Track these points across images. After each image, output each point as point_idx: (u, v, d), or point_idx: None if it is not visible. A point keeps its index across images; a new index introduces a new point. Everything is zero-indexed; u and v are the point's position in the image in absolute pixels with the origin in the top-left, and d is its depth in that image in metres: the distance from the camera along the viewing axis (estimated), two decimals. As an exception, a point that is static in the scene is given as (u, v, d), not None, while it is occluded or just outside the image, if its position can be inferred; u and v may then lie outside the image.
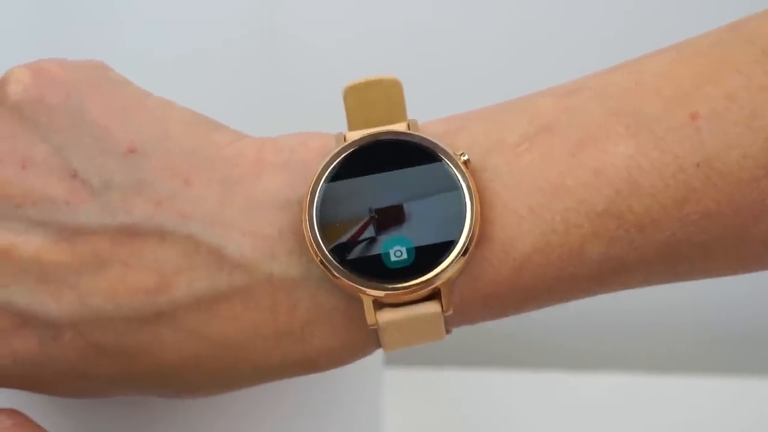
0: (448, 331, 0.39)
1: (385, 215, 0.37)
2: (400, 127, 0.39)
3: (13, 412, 0.39)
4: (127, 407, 0.48)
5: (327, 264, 0.37)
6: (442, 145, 0.38)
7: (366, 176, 0.38)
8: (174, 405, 0.49)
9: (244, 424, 0.50)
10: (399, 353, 0.62)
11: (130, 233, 0.38)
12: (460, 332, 0.40)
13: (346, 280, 0.37)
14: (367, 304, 0.37)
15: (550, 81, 0.41)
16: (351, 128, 0.39)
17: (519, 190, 0.37)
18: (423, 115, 0.41)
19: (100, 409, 0.48)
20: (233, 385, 0.40)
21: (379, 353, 0.52)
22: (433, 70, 0.59)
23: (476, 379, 0.61)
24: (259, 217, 0.38)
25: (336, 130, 0.40)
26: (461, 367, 0.61)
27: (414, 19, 0.59)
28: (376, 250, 0.37)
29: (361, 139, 0.38)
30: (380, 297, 0.37)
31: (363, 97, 0.39)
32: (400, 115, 0.39)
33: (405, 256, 0.37)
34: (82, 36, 0.59)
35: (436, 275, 0.37)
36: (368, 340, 0.38)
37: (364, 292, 0.37)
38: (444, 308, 0.37)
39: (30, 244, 0.38)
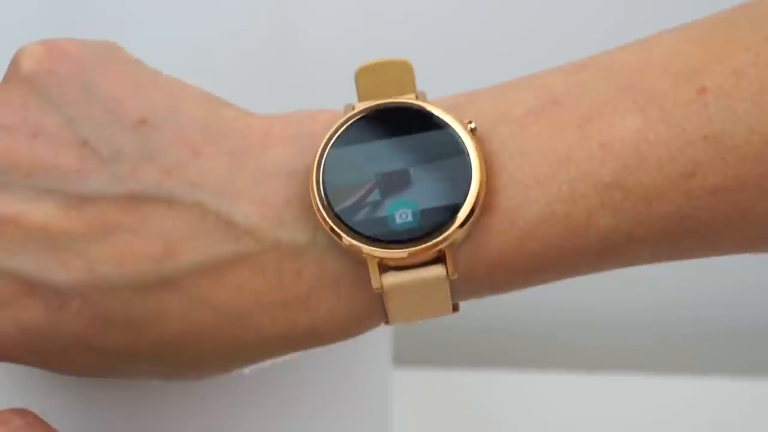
0: (454, 308, 0.39)
1: (391, 179, 0.38)
2: (408, 98, 0.39)
3: (24, 412, 0.39)
4: (134, 406, 0.48)
5: (333, 226, 0.37)
6: (448, 113, 0.38)
7: (373, 142, 0.38)
8: (176, 402, 0.49)
9: (252, 423, 0.50)
10: (408, 353, 0.62)
11: (138, 201, 0.38)
12: (469, 331, 0.40)
13: (351, 241, 0.37)
14: (372, 266, 0.37)
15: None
16: (360, 100, 0.39)
17: (525, 161, 0.38)
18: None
19: (108, 407, 0.48)
20: (239, 359, 0.40)
21: (388, 353, 0.52)
22: (441, 65, 0.60)
23: (484, 380, 0.61)
24: (267, 186, 0.38)
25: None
26: (470, 367, 0.61)
27: (421, 11, 0.60)
28: (382, 212, 0.37)
29: (368, 107, 0.39)
30: (385, 257, 0.37)
31: (374, 77, 0.40)
32: (410, 91, 0.40)
33: (410, 218, 0.37)
34: (90, 34, 0.60)
35: (442, 238, 0.37)
36: (374, 307, 0.38)
37: (369, 253, 0.37)
38: (449, 272, 0.37)
39: (39, 211, 0.39)
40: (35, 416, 0.39)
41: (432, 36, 0.59)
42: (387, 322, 0.39)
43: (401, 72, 0.40)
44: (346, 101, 0.40)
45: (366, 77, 0.40)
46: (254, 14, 0.60)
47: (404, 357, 0.61)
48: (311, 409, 0.51)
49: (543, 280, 0.39)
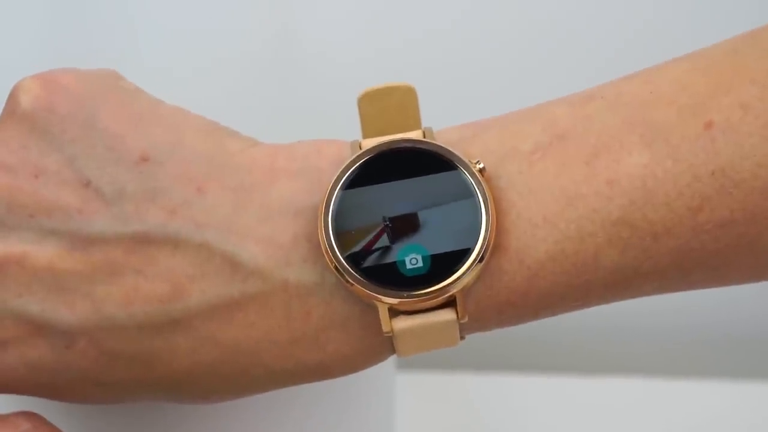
0: (461, 338, 0.39)
1: (400, 223, 0.38)
2: (415, 135, 0.39)
3: (31, 415, 0.40)
4: (137, 408, 0.48)
5: (342, 271, 0.37)
6: (457, 153, 0.38)
7: (381, 184, 0.38)
8: (185, 408, 0.49)
9: (256, 427, 0.50)
10: (411, 357, 0.62)
11: (143, 241, 0.38)
12: (472, 336, 0.40)
13: (361, 288, 0.37)
14: (383, 312, 0.37)
15: (564, 90, 0.41)
16: (365, 135, 0.39)
17: (533, 199, 0.37)
18: (436, 122, 0.41)
19: (110, 410, 0.48)
20: (247, 391, 0.40)
21: (391, 357, 0.52)
22: (445, 77, 0.59)
23: (488, 383, 0.61)
24: (273, 224, 0.38)
25: (348, 136, 0.40)
26: (473, 371, 0.61)
27: (426, 27, 0.59)
28: (392, 257, 0.37)
29: (376, 147, 0.38)
30: (395, 304, 0.37)
31: (378, 104, 0.39)
32: (415, 122, 0.39)
33: (420, 263, 0.37)
34: (95, 46, 0.59)
35: (452, 283, 0.37)
36: (383, 346, 0.39)
37: (380, 300, 0.37)
38: (459, 316, 0.37)
39: (43, 253, 0.39)
40: (42, 419, 0.40)
41: (439, 51, 0.59)
42: (395, 354, 0.39)
43: (405, 98, 0.39)
44: (349, 113, 0.40)
45: (369, 104, 0.39)
46: (255, 14, 0.60)
47: (407, 360, 0.61)
48: (315, 412, 0.51)
49: (552, 314, 0.39)
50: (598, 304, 0.39)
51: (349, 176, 0.38)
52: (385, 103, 0.39)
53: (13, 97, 0.40)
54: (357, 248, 0.37)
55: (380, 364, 0.51)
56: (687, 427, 0.59)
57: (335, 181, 0.38)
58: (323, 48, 0.59)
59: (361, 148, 0.39)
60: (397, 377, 0.58)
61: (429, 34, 0.59)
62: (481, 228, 0.37)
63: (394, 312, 0.37)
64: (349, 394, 0.52)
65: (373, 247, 0.37)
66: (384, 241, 0.37)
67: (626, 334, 0.62)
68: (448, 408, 0.61)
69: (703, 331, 0.63)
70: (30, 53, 0.59)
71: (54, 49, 0.59)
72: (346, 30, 0.59)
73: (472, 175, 0.38)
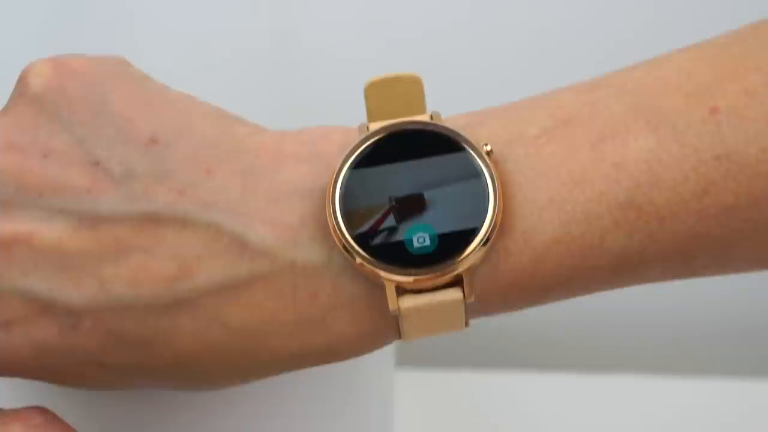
0: (466, 323, 0.39)
1: (406, 204, 0.38)
2: (422, 118, 0.39)
3: (43, 410, 0.40)
4: (139, 403, 0.48)
5: (350, 250, 0.37)
6: (464, 135, 0.38)
7: (389, 165, 0.38)
8: (184, 403, 0.49)
9: (254, 423, 0.50)
10: (410, 354, 0.62)
11: (151, 221, 0.38)
12: (472, 333, 0.40)
13: (369, 266, 0.37)
14: (390, 290, 0.37)
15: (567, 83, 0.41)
16: (372, 120, 0.39)
17: (540, 181, 0.38)
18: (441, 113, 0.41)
19: (109, 405, 0.48)
20: (251, 374, 0.40)
21: (390, 354, 0.53)
22: (445, 76, 0.60)
23: (487, 381, 0.61)
24: (281, 206, 0.38)
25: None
26: (472, 368, 0.61)
27: (426, 26, 0.60)
28: (399, 236, 0.38)
29: (384, 128, 0.39)
30: (403, 282, 0.37)
31: (384, 93, 0.40)
32: (420, 110, 0.40)
33: (428, 242, 0.37)
34: (95, 46, 0.59)
35: (459, 262, 0.37)
36: (388, 327, 0.39)
37: (387, 278, 0.37)
38: (465, 295, 0.37)
39: (51, 231, 0.39)
40: (54, 415, 0.40)
41: (442, 46, 0.59)
42: (400, 338, 0.39)
43: (411, 87, 0.40)
44: (346, 103, 0.40)
45: (375, 93, 0.39)
46: (255, 14, 0.60)
47: (406, 357, 0.61)
48: (313, 410, 0.51)
49: (556, 299, 0.39)
50: (602, 289, 0.39)
51: (356, 157, 0.38)
52: (392, 92, 0.40)
53: (23, 79, 0.40)
54: (364, 228, 0.38)
55: (379, 361, 0.52)
56: (688, 425, 0.59)
57: (343, 161, 0.38)
58: (323, 47, 0.60)
59: (368, 131, 0.39)
60: (396, 374, 0.58)
61: (429, 33, 0.59)
62: (488, 208, 0.37)
63: (401, 291, 0.37)
64: (348, 390, 0.52)
65: (381, 227, 0.38)
66: (391, 221, 0.38)
67: (627, 332, 0.63)
68: (446, 405, 0.61)
69: (704, 329, 0.63)
70: (30, 53, 0.59)
71: (54, 49, 0.59)
72: (346, 29, 0.60)
73: (480, 156, 0.38)
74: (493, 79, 0.60)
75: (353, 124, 0.41)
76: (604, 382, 0.60)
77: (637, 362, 0.62)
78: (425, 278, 0.37)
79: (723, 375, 0.61)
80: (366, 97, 0.40)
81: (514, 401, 0.60)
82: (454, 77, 0.60)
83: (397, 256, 0.37)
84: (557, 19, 0.59)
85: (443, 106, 0.41)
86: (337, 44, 0.60)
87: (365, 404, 0.52)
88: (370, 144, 0.38)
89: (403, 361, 0.61)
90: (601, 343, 0.63)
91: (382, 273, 0.37)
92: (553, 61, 0.59)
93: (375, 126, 0.39)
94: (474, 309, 0.39)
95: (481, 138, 0.39)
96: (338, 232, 0.37)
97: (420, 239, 0.37)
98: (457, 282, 0.37)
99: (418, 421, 0.60)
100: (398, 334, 0.39)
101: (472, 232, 0.37)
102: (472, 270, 0.37)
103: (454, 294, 0.37)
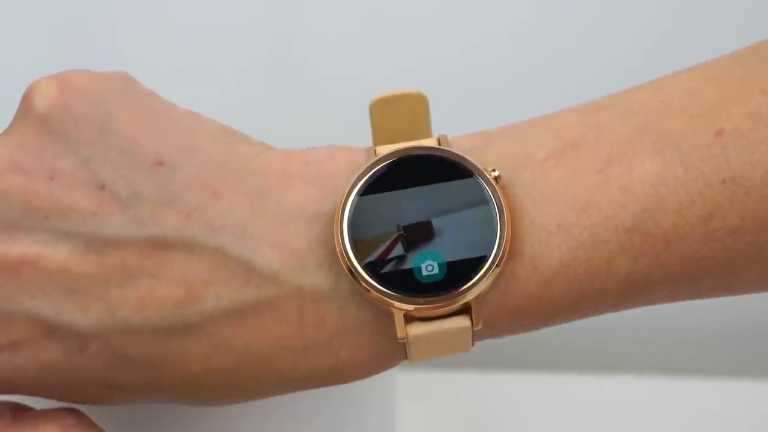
0: (472, 344, 0.39)
1: (415, 231, 0.38)
2: (429, 142, 0.39)
3: (74, 411, 0.40)
4: (141, 407, 0.48)
5: (359, 278, 0.37)
6: (472, 160, 0.38)
7: (397, 191, 0.38)
8: (188, 409, 0.49)
9: (255, 424, 0.50)
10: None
11: (158, 245, 0.38)
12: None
13: (377, 294, 0.37)
14: (398, 318, 0.37)
15: (570, 98, 0.41)
16: (377, 142, 0.39)
17: (547, 206, 0.38)
18: (440, 125, 0.41)
19: (117, 407, 0.48)
20: (257, 395, 0.40)
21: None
22: (451, 83, 0.59)
23: (489, 382, 0.61)
24: (288, 230, 0.38)
25: (349, 136, 0.40)
26: (474, 370, 0.61)
27: (428, 28, 0.59)
28: (408, 264, 0.38)
29: (392, 153, 0.39)
30: (411, 311, 0.37)
31: (389, 111, 0.39)
32: (426, 129, 0.40)
33: (436, 270, 0.37)
34: (95, 46, 0.59)
35: (468, 290, 0.37)
36: (395, 352, 0.39)
37: (396, 306, 0.37)
38: (474, 323, 0.38)
39: (58, 255, 0.38)
40: (84, 415, 0.40)
41: (443, 55, 0.59)
42: (406, 360, 0.40)
43: (417, 105, 0.40)
44: (346, 104, 0.40)
45: (380, 111, 0.39)
46: (255, 14, 0.60)
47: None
48: (315, 411, 0.51)
49: (564, 321, 0.39)
50: (608, 311, 0.39)
51: (364, 183, 0.38)
52: (397, 110, 0.39)
53: (28, 98, 0.40)
54: (373, 256, 0.38)
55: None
56: (689, 426, 0.59)
57: (351, 187, 0.38)
58: (324, 48, 0.59)
59: (376, 155, 0.39)
60: (398, 376, 0.58)
61: (431, 34, 0.59)
62: (496, 235, 0.37)
63: (409, 318, 0.38)
64: (350, 393, 0.52)
65: (389, 256, 0.38)
66: (399, 249, 0.38)
67: (630, 334, 0.62)
68: (448, 407, 0.61)
69: (704, 330, 0.63)
70: (30, 53, 0.59)
71: (54, 50, 0.59)
72: (348, 30, 0.59)
73: (488, 182, 0.38)
74: (497, 81, 0.60)
75: (353, 124, 0.40)
76: (607, 383, 0.60)
77: (641, 364, 0.62)
78: (434, 307, 0.37)
79: (726, 376, 0.61)
80: (371, 114, 0.39)
81: (517, 403, 0.60)
82: (454, 77, 0.60)
83: (405, 283, 0.37)
84: (558, 32, 0.59)
85: (444, 110, 0.41)
86: (337, 44, 0.59)
87: (367, 406, 0.52)
88: (378, 170, 0.38)
89: (405, 363, 0.61)
90: (604, 345, 0.63)
91: (391, 301, 0.37)
92: (554, 75, 0.59)
93: (382, 150, 0.39)
94: (482, 333, 0.39)
95: (488, 161, 0.39)
96: (347, 260, 0.37)
97: (428, 267, 0.38)
98: (465, 309, 0.38)
99: (419, 423, 0.60)
100: (404, 356, 0.39)
101: (481, 261, 0.37)
102: (480, 298, 0.37)
103: (462, 322, 0.38)
